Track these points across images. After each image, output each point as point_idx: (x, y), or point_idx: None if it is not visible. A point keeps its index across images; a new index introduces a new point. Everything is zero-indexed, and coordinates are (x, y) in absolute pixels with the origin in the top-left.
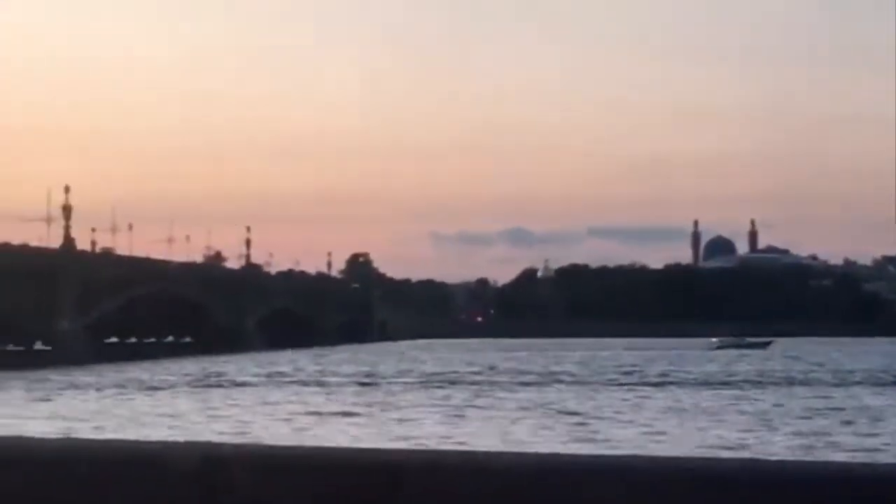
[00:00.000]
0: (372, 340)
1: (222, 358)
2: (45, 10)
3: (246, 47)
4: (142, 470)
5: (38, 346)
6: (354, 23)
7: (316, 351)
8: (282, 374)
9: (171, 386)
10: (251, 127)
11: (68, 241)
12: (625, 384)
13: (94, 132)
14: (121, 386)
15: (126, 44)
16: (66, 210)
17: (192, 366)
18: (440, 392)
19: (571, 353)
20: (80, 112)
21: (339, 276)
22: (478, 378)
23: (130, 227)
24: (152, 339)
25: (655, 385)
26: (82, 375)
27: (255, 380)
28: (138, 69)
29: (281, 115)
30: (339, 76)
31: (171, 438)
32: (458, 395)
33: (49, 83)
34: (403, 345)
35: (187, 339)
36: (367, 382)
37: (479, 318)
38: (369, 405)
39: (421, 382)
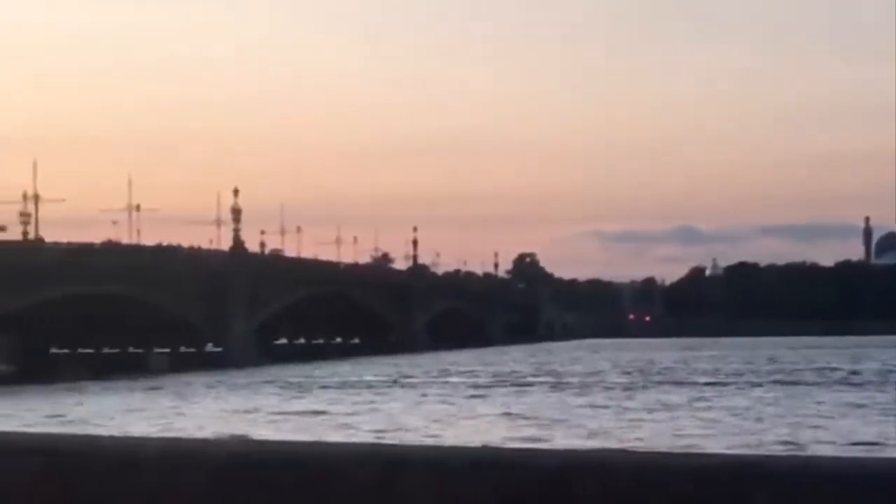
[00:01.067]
0: (539, 340)
1: (399, 359)
2: (216, 13)
3: (413, 49)
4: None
5: (210, 347)
6: (527, 23)
7: (491, 351)
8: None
9: (368, 386)
10: (416, 128)
11: (238, 243)
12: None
13: (263, 136)
14: (292, 386)
15: (296, 51)
16: (236, 213)
17: (385, 367)
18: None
19: (758, 351)
20: (250, 116)
21: (505, 276)
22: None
23: (299, 229)
24: (321, 341)
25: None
26: (250, 377)
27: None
28: (307, 75)
29: (446, 116)
30: (508, 77)
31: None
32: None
33: (219, 88)
34: (571, 345)
35: (356, 341)
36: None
37: (647, 318)
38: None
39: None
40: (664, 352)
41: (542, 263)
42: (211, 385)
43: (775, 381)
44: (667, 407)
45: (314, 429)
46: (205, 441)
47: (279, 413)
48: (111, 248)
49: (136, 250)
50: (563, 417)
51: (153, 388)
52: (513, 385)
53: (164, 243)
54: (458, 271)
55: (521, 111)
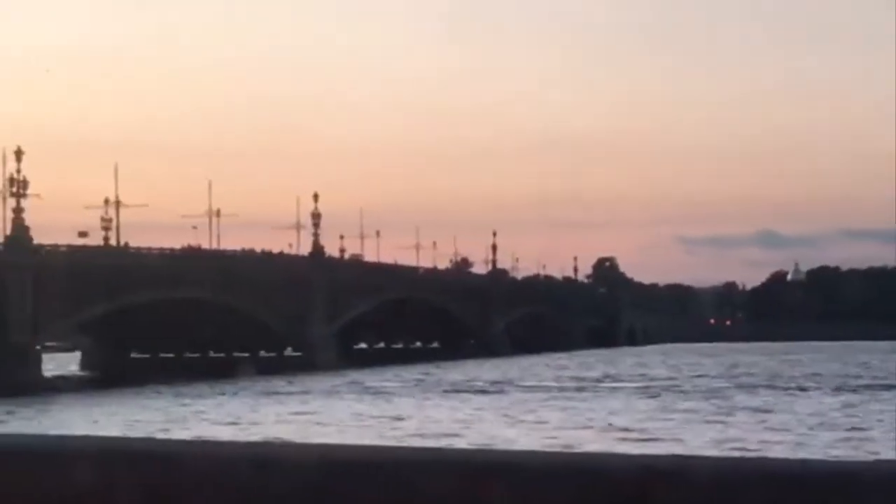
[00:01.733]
0: (619, 345)
1: (486, 363)
2: (298, 16)
3: (490, 51)
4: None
5: (289, 351)
6: (606, 27)
7: (571, 355)
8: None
9: (473, 391)
10: (496, 132)
11: (318, 248)
12: None
13: (344, 141)
14: (411, 388)
15: (378, 53)
16: (316, 217)
17: (487, 371)
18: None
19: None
20: (329, 121)
21: (585, 280)
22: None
23: (378, 233)
24: (400, 345)
25: None
26: (332, 380)
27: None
28: (387, 79)
29: (526, 120)
30: (586, 79)
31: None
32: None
33: (299, 92)
34: (658, 349)
35: (435, 345)
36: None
37: (728, 322)
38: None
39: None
40: (754, 356)
41: (622, 268)
42: (330, 391)
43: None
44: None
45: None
46: (287, 445)
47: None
48: (193, 253)
49: (217, 255)
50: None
51: (269, 393)
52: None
53: (244, 248)
54: (537, 276)
55: (599, 114)
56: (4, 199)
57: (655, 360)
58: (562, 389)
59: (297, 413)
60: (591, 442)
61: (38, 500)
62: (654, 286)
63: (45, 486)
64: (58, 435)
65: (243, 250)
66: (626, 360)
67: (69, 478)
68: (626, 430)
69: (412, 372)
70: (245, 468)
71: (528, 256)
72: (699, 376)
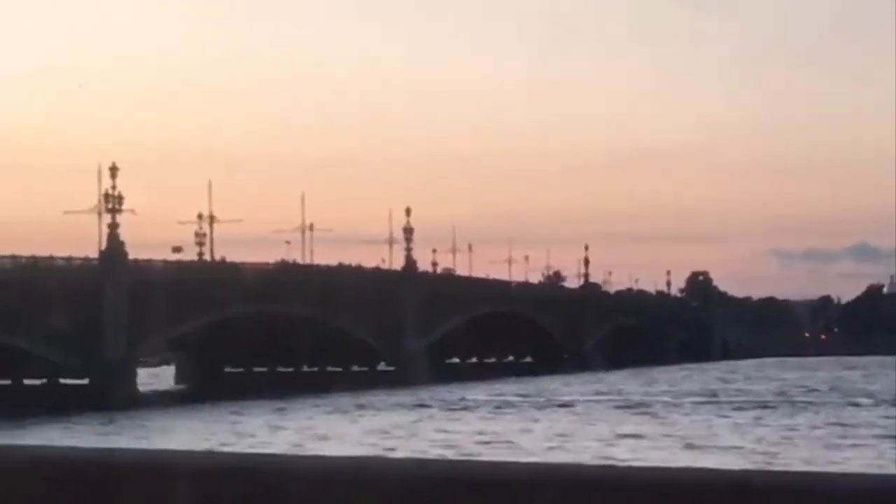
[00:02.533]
0: (713, 359)
1: (583, 377)
2: (390, 36)
3: (580, 68)
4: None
5: (382, 366)
6: (697, 41)
7: (667, 370)
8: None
9: (579, 404)
10: (587, 146)
11: (410, 262)
12: None
13: (435, 155)
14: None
15: (468, 74)
16: (408, 232)
17: (591, 385)
18: None
19: None
20: (421, 136)
21: (678, 294)
22: None
23: (470, 247)
24: (493, 359)
25: None
26: (426, 394)
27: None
28: (477, 94)
29: (617, 133)
30: (678, 92)
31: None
32: None
33: (391, 108)
34: (756, 363)
35: (527, 359)
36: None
37: (823, 336)
38: None
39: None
40: (857, 370)
41: (715, 282)
42: (449, 406)
43: None
44: None
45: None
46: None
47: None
48: (287, 267)
49: (311, 270)
50: None
51: (398, 406)
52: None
53: (337, 263)
54: (629, 290)
55: (693, 128)
56: (100, 214)
57: (787, 374)
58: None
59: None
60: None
61: None
62: (747, 300)
63: (150, 500)
64: (159, 449)
65: (338, 265)
66: (739, 373)
67: (173, 492)
68: None
69: (518, 386)
70: (348, 482)
71: (620, 270)
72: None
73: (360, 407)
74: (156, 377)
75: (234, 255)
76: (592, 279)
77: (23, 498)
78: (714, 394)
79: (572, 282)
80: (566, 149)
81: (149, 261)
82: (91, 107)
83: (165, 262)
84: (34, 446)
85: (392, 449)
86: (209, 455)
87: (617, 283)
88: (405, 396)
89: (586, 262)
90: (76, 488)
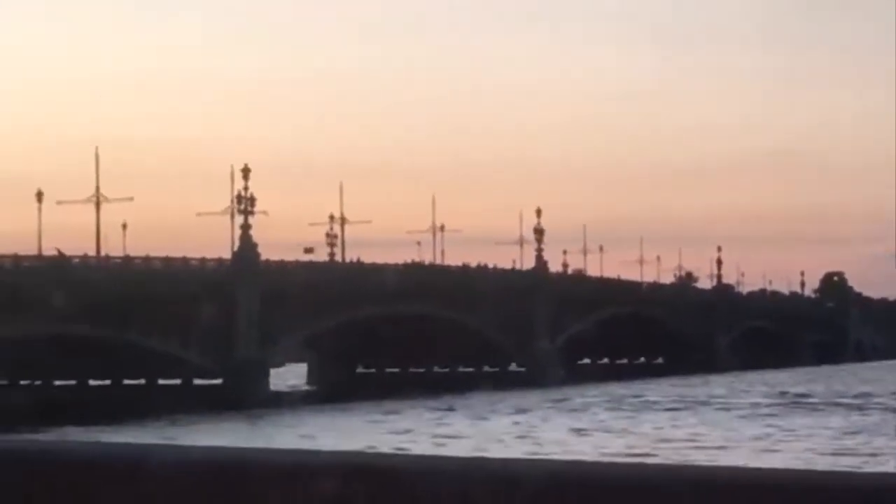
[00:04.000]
0: (847, 361)
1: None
2: (510, 42)
3: (712, 74)
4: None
5: (513, 367)
6: (828, 40)
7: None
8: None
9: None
10: (719, 147)
11: (541, 263)
12: None
13: (566, 156)
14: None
15: (594, 77)
16: (539, 233)
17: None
18: None
19: None
20: (551, 138)
21: (812, 295)
22: None
23: (601, 248)
24: (624, 360)
25: None
26: (562, 395)
27: None
28: (606, 95)
29: (750, 134)
30: (806, 92)
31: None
32: None
33: (522, 111)
34: (886, 365)
35: (659, 360)
36: None
37: None
38: None
39: None
40: None
41: (851, 283)
42: (609, 406)
43: None
44: None
45: None
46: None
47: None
48: (419, 268)
49: (442, 270)
50: None
51: (573, 409)
52: None
53: (466, 263)
54: (762, 291)
55: (825, 127)
56: (233, 215)
57: None
58: None
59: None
60: None
61: None
62: (883, 301)
63: (289, 499)
64: (302, 450)
65: (466, 265)
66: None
67: (312, 492)
68: None
69: (668, 388)
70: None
71: (753, 271)
72: None
73: (521, 411)
74: (280, 377)
75: (365, 257)
76: (725, 280)
77: (170, 498)
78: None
79: (704, 283)
80: (697, 150)
81: (281, 262)
82: (225, 110)
83: (297, 262)
84: (178, 446)
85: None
86: (345, 455)
87: (749, 283)
88: (553, 396)
89: (719, 262)
90: (220, 488)
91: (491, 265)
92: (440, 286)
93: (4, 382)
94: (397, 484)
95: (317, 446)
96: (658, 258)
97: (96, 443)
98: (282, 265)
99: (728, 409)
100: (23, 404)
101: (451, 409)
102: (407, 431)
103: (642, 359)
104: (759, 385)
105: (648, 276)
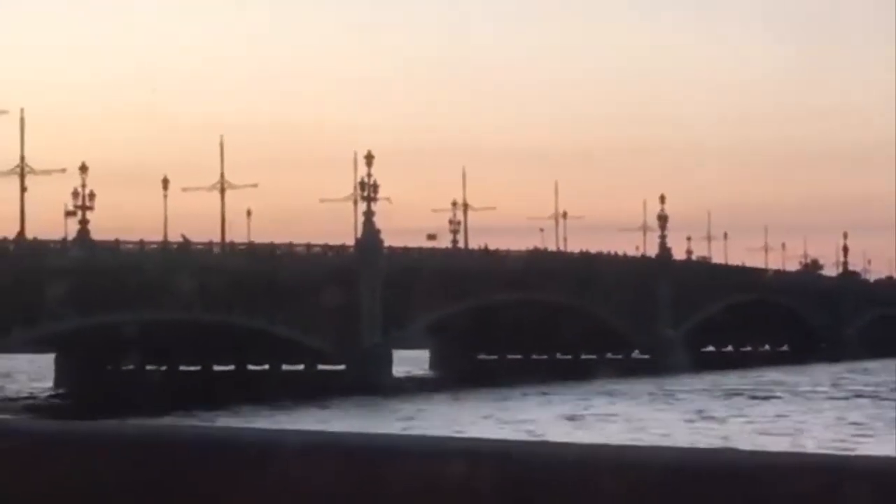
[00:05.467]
0: None
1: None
2: (635, 28)
3: (836, 58)
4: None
5: (636, 354)
6: None
7: None
8: None
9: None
10: (848, 133)
11: (664, 250)
12: None
13: (690, 143)
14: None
15: (719, 61)
16: (662, 220)
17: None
18: None
19: None
20: (674, 124)
21: None
22: None
23: (725, 235)
24: (748, 348)
25: None
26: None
27: None
28: (727, 84)
29: (874, 121)
30: None
31: None
32: None
33: (640, 98)
34: None
35: (784, 348)
36: None
37: None
38: None
39: None
40: None
41: None
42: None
43: None
44: None
45: None
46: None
47: None
48: (541, 255)
49: (565, 257)
50: None
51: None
52: None
53: (585, 250)
54: (890, 278)
55: None
56: (356, 202)
57: None
58: None
59: None
60: None
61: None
62: None
63: (414, 486)
64: (427, 436)
65: (593, 252)
66: None
67: (438, 479)
68: None
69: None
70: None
71: (880, 258)
72: None
73: (668, 394)
74: (403, 363)
75: (488, 243)
76: (852, 267)
77: (300, 484)
78: None
79: (830, 270)
80: (822, 135)
81: (404, 248)
82: (345, 95)
83: (421, 249)
84: (307, 431)
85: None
86: (470, 441)
87: (877, 271)
88: (693, 383)
89: (845, 250)
90: (348, 473)
91: (613, 252)
92: (563, 273)
93: (131, 367)
94: (521, 471)
95: (441, 432)
96: (783, 245)
97: (225, 427)
98: (405, 252)
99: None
100: (150, 389)
101: (576, 396)
102: (528, 420)
103: (766, 346)
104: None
105: (773, 263)
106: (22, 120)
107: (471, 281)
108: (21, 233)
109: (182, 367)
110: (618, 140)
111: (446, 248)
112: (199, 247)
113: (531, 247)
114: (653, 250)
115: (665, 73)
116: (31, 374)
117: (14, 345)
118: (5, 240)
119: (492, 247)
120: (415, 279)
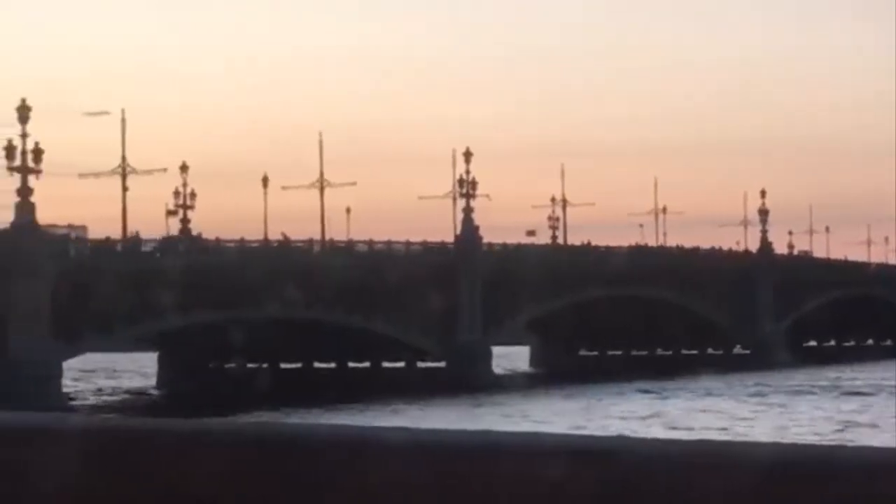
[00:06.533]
0: None
1: None
2: (732, 25)
3: None
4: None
5: (737, 349)
6: None
7: None
8: None
9: None
10: None
11: (765, 244)
12: None
13: (791, 136)
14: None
15: (824, 49)
16: (763, 214)
17: None
18: None
19: None
20: (774, 118)
21: None
22: None
23: (827, 229)
24: (851, 343)
25: None
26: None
27: None
28: (835, 72)
29: None
30: None
31: None
32: None
33: (739, 92)
34: None
35: (887, 343)
36: None
37: None
38: None
39: None
40: None
41: None
42: None
43: None
44: None
45: None
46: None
47: None
48: (643, 250)
49: (666, 252)
50: None
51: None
52: None
53: (691, 246)
54: None
55: None
56: (455, 199)
57: None
58: None
59: None
60: None
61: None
62: None
63: (514, 484)
64: (526, 432)
65: (693, 248)
66: None
67: (538, 477)
68: None
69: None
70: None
71: None
72: None
73: (757, 395)
74: (503, 360)
75: (587, 239)
76: None
77: (398, 479)
78: None
79: None
80: None
81: (503, 244)
82: (444, 93)
83: (520, 245)
84: (406, 428)
85: None
86: (570, 438)
87: None
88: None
89: None
90: (447, 469)
91: (714, 247)
92: (663, 268)
93: (233, 365)
94: (625, 468)
95: (544, 429)
96: (886, 239)
97: (325, 424)
98: (504, 248)
99: None
100: (252, 387)
101: (690, 393)
102: (630, 416)
103: (870, 341)
104: None
105: (876, 257)
106: (123, 120)
107: (571, 277)
108: (124, 232)
109: (283, 365)
110: (717, 134)
111: (546, 245)
112: (300, 245)
113: (631, 243)
114: (754, 245)
115: (764, 67)
116: (135, 372)
117: (117, 343)
118: (109, 239)
119: (593, 243)
120: (514, 276)
